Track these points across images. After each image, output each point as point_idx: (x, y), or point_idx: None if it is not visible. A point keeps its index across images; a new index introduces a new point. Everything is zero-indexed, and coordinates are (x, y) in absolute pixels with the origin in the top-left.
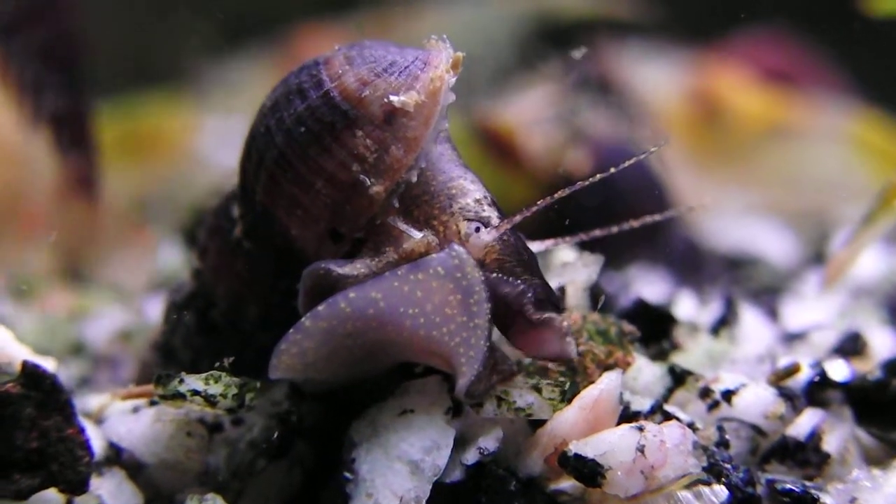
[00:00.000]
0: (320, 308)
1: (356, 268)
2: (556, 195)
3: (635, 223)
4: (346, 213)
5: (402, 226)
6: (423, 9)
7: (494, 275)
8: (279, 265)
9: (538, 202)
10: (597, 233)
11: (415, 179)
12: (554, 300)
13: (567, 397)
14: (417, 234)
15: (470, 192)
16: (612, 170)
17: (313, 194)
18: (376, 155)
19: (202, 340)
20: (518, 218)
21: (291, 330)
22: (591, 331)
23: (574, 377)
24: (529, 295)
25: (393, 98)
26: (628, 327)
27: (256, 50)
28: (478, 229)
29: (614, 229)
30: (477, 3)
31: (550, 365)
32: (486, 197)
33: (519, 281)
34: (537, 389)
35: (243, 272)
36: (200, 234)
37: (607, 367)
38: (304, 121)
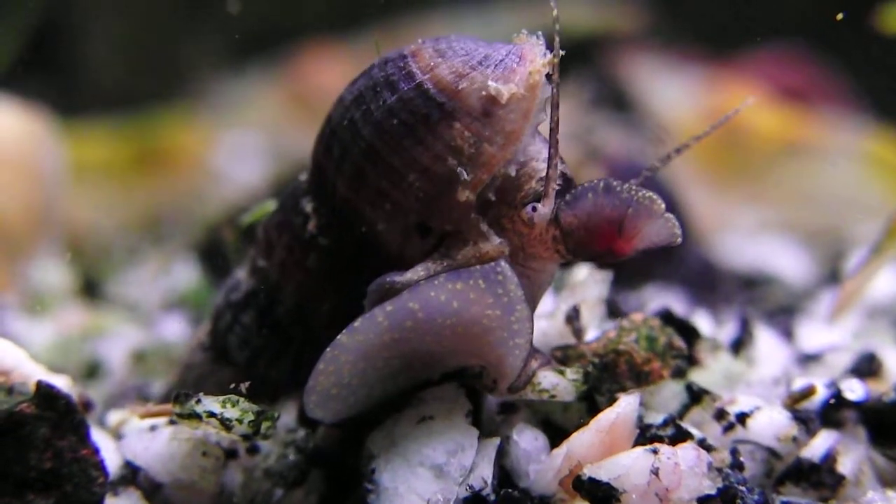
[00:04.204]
0: (356, 324)
1: (417, 272)
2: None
3: None
4: (438, 207)
5: (484, 227)
6: (431, 26)
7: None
8: (357, 260)
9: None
10: None
11: (513, 174)
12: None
13: (590, 382)
14: (496, 240)
15: (538, 172)
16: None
17: (405, 187)
18: (474, 148)
19: (263, 339)
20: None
21: (327, 349)
22: (643, 334)
23: (603, 373)
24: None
25: (493, 85)
26: (678, 342)
27: (265, 67)
28: (534, 208)
29: None
30: (485, 20)
31: (588, 353)
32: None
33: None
34: (561, 372)
35: (316, 268)
36: (260, 231)
37: (639, 374)
38: (397, 113)
